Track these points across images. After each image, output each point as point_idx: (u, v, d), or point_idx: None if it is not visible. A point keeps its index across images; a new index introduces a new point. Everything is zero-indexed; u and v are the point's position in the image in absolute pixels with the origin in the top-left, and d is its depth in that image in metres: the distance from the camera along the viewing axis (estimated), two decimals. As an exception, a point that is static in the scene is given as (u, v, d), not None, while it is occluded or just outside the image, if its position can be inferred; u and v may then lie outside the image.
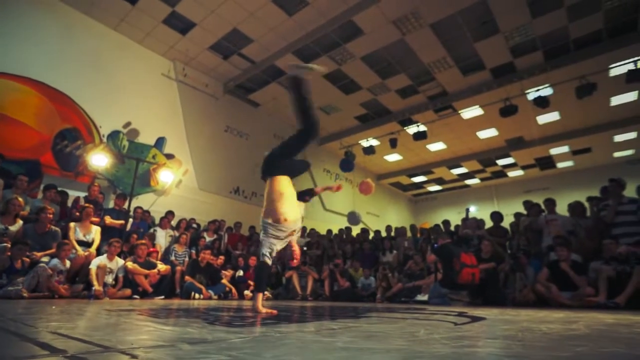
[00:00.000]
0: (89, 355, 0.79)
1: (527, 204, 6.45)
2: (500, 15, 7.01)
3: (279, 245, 2.67)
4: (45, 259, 4.37)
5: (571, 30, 7.28)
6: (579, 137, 10.99)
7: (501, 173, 14.50)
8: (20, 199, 4.61)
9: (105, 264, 4.77)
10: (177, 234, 6.66)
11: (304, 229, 8.79)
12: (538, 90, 8.18)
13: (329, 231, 9.09)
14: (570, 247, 4.73)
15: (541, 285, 4.59)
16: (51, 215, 4.65)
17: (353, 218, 9.80)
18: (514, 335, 1.36)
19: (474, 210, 11.14)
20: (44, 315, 1.91)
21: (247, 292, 5.90)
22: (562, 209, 6.16)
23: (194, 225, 7.40)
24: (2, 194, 4.81)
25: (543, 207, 6.13)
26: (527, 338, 1.27)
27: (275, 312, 2.44)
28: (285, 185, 2.67)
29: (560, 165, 13.31)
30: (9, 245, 4.09)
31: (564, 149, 11.92)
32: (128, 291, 4.83)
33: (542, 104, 8.12)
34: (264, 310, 2.42)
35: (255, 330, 1.36)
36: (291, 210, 2.63)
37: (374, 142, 10.97)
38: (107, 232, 5.46)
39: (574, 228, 5.48)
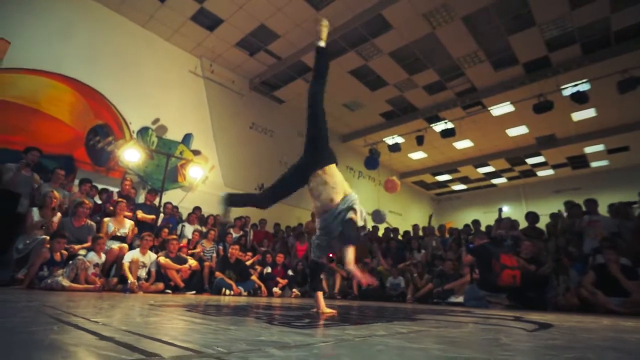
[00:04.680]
0: (186, 360, 0.72)
1: (568, 205, 6.17)
2: (537, 6, 6.70)
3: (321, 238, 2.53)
4: (82, 252, 4.43)
5: (613, 22, 6.90)
6: (616, 135, 10.46)
7: (530, 172, 14.00)
8: (56, 193, 4.69)
9: (138, 258, 4.82)
10: (204, 229, 6.69)
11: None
12: (576, 85, 7.80)
13: (355, 229, 8.96)
14: (618, 250, 4.46)
15: (586, 290, 4.35)
16: (88, 210, 4.72)
17: (378, 216, 9.60)
18: (614, 346, 1.23)
19: (506, 210, 10.79)
20: (99, 310, 1.89)
21: (275, 289, 5.86)
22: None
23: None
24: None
25: (584, 207, 5.86)
26: (634, 351, 1.14)
27: (335, 312, 2.32)
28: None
29: (594, 164, 12.74)
30: (48, 238, 4.16)
31: (599, 147, 11.39)
32: (161, 285, 4.86)
33: (581, 99, 7.75)
34: (327, 310, 2.31)
35: (329, 333, 1.28)
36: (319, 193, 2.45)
37: (399, 140, 10.76)
38: (139, 227, 5.51)
39: (618, 230, 5.20)
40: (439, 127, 9.98)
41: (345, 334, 1.26)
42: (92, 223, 4.89)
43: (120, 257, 4.77)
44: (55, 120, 6.24)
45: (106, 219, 5.09)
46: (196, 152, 8.25)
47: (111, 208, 5.27)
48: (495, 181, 15.24)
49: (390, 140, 10.80)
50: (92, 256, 4.42)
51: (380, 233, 8.95)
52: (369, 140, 11.34)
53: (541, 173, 14.02)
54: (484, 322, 2.07)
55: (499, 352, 1.01)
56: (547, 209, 7.53)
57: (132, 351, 0.79)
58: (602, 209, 5.89)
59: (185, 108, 8.24)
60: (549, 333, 1.58)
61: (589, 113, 9.71)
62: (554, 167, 13.36)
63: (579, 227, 5.52)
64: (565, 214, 6.15)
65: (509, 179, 14.84)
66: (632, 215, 5.37)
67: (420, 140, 9.96)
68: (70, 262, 4.15)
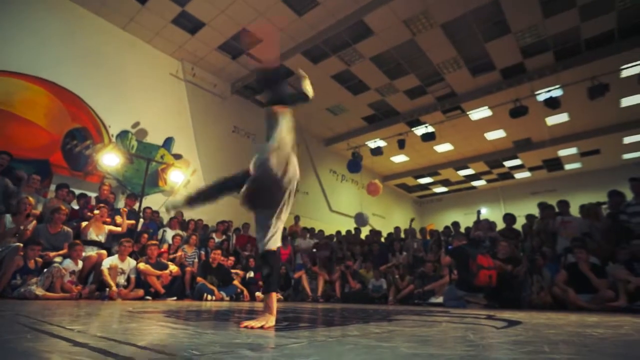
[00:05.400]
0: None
1: (542, 206, 6.39)
2: (512, 15, 6.96)
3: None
4: (58, 259, 4.33)
5: (583, 31, 7.22)
6: (588, 138, 10.92)
7: (508, 175, 14.43)
8: (30, 199, 4.56)
9: (116, 265, 4.73)
10: (185, 234, 6.62)
11: (311, 229, 8.73)
12: (549, 91, 8.11)
13: (338, 232, 9.04)
14: (588, 250, 4.66)
15: (559, 288, 4.53)
16: (64, 216, 4.61)
17: (360, 219, 9.76)
18: (571, 340, 1.31)
19: (484, 212, 11.08)
20: (75, 318, 1.87)
21: (258, 294, 5.85)
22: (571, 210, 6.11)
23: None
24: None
25: (556, 209, 6.08)
26: (588, 344, 1.22)
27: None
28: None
29: (568, 167, 13.24)
30: (22, 245, 4.04)
31: (573, 150, 11.85)
32: (140, 292, 4.78)
33: (553, 105, 8.06)
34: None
35: (303, 335, 1.31)
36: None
37: (381, 143, 10.92)
38: (118, 233, 5.40)
39: (589, 230, 5.42)
40: (419, 130, 10.18)
41: (320, 335, 1.30)
42: (69, 229, 4.78)
43: (98, 263, 4.67)
44: (30, 124, 6.07)
45: (84, 223, 4.99)
46: (177, 156, 8.16)
47: (89, 214, 5.16)
48: (475, 183, 15.62)
49: (372, 144, 10.94)
50: (69, 263, 4.32)
51: (364, 235, 9.05)
52: (351, 143, 11.46)
53: (518, 175, 14.47)
54: (458, 321, 2.15)
55: (463, 347, 1.07)
56: (524, 210, 7.77)
57: (105, 356, 0.81)
58: (576, 210, 6.13)
59: (166, 111, 8.15)
60: (515, 330, 1.66)
61: (562, 117, 10.10)
62: (530, 169, 13.81)
63: (553, 228, 5.72)
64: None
65: (488, 181, 15.24)
66: (601, 216, 5.60)
67: (401, 144, 10.13)
68: (45, 270, 4.04)
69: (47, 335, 1.13)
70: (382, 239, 8.79)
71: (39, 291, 3.76)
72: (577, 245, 4.63)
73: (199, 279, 5.44)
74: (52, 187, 5.84)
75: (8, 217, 4.26)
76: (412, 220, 8.00)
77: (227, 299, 5.47)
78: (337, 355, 0.91)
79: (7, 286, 3.79)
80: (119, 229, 5.29)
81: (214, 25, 7.43)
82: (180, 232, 6.57)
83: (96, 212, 5.04)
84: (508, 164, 13.41)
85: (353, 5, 6.81)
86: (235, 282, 5.86)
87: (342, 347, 1.02)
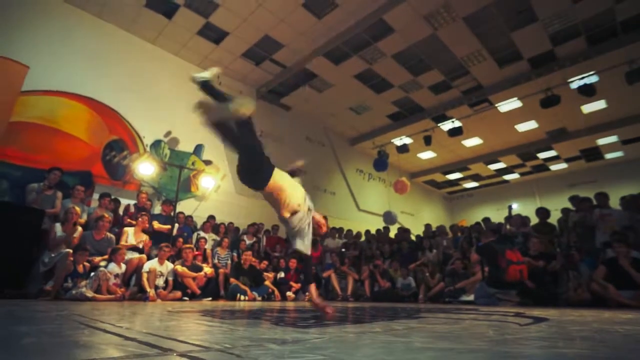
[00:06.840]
0: (201, 354, 0.86)
1: (575, 200, 6.15)
2: (538, 2, 6.71)
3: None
4: (102, 264, 4.67)
5: (617, 12, 6.84)
6: (629, 125, 10.29)
7: (543, 167, 13.84)
8: (77, 208, 4.94)
9: (155, 268, 5.03)
10: (219, 237, 6.88)
11: (339, 229, 8.82)
12: (582, 78, 7.75)
13: (367, 231, 9.06)
14: (629, 244, 4.45)
15: (597, 284, 4.35)
16: (108, 224, 4.96)
17: (389, 218, 9.74)
18: (591, 336, 1.32)
19: (516, 207, 10.71)
20: (122, 317, 2.06)
21: (289, 294, 6.01)
22: (612, 202, 5.82)
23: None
24: (62, 204, 5.19)
25: (594, 201, 5.82)
26: (607, 340, 1.23)
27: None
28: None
29: (608, 156, 12.52)
30: (71, 251, 4.40)
31: (613, 138, 11.21)
32: (178, 293, 5.06)
33: (588, 92, 7.69)
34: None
35: (327, 331, 1.40)
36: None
37: (407, 140, 10.83)
38: (155, 237, 5.74)
39: (630, 223, 5.16)
40: (446, 126, 10.00)
41: (342, 331, 1.38)
42: (112, 235, 5.13)
43: (139, 267, 4.99)
44: (73, 138, 6.54)
45: (127, 229, 5.35)
46: (207, 162, 8.48)
47: (128, 220, 5.51)
48: (507, 177, 15.10)
49: (398, 142, 10.87)
50: (113, 267, 4.65)
51: (393, 234, 9.01)
52: (377, 142, 11.42)
53: (554, 167, 13.84)
54: (484, 319, 2.16)
55: (477, 342, 1.12)
56: (562, 204, 7.43)
57: (152, 348, 0.94)
58: (617, 202, 5.84)
59: (196, 120, 8.31)
60: (539, 326, 1.67)
61: (600, 105, 9.59)
62: (567, 160, 13.17)
63: (591, 221, 5.49)
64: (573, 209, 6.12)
65: (522, 174, 14.69)
66: (643, 207, 5.32)
67: (427, 141, 10.00)
68: (93, 273, 4.38)
69: (101, 331, 1.29)
70: (412, 237, 8.73)
71: (89, 293, 4.08)
72: (617, 240, 4.43)
73: (232, 280, 5.67)
74: (95, 196, 6.27)
75: (58, 226, 4.64)
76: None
77: (259, 299, 5.66)
78: (352, 348, 0.99)
79: (61, 289, 4.14)
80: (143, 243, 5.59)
81: (237, 34, 7.67)
82: (214, 235, 6.85)
83: (126, 229, 5.38)
84: (542, 155, 12.86)
85: (372, 5, 6.82)
86: (267, 282, 6.05)
87: (359, 342, 1.10)
